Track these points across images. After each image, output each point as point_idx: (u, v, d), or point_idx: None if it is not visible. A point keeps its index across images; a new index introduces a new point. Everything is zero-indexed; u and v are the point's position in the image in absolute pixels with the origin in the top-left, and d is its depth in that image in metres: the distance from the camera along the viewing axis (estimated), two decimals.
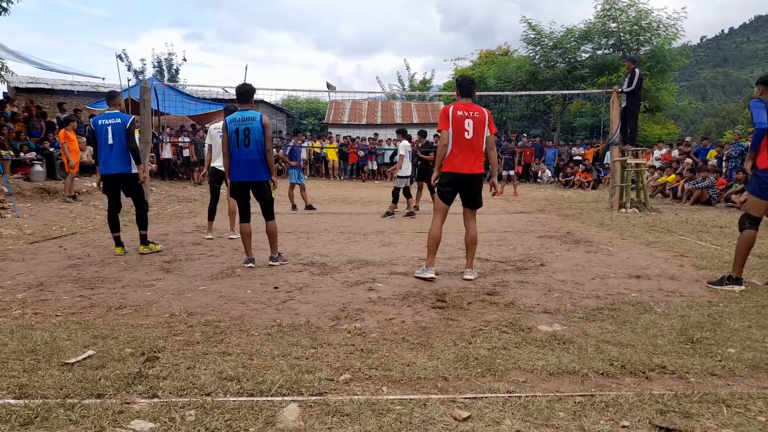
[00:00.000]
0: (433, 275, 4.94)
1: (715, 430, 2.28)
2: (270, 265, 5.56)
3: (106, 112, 6.28)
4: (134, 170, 6.15)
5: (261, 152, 5.40)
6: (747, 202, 4.94)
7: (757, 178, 4.75)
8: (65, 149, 11.03)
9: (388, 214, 10.08)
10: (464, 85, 5.11)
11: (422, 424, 2.30)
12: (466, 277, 5.01)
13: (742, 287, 4.64)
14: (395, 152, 10.84)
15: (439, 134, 5.14)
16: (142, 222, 6.25)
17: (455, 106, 4.96)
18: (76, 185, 11.60)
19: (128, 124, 6.03)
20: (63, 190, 11.11)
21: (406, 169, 10.05)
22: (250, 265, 5.47)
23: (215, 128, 7.31)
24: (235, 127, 5.38)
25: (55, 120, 15.53)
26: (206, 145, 7.57)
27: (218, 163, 7.15)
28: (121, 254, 6.06)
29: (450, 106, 4.97)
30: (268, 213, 5.61)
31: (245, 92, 5.54)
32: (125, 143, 6.00)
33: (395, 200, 10.12)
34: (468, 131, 4.88)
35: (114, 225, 6.23)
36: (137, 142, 6.11)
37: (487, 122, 4.97)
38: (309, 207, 11.01)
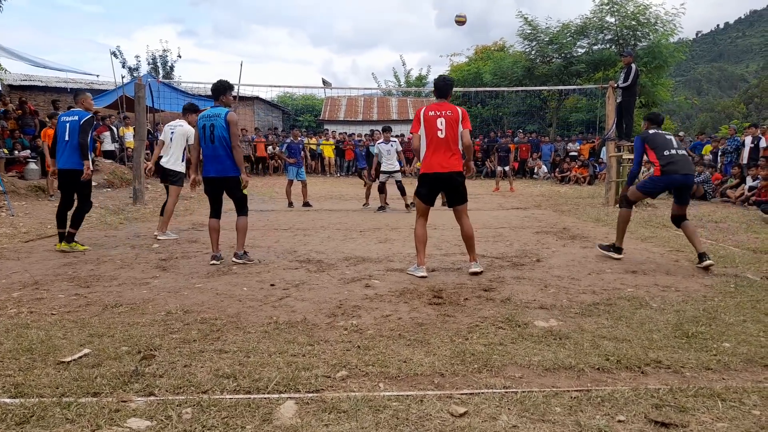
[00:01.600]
0: (424, 274, 4.94)
1: (710, 424, 2.29)
2: (233, 261, 5.50)
3: (71, 110, 6.41)
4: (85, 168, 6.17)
5: (226, 148, 5.43)
6: (630, 190, 5.89)
7: (651, 180, 5.68)
8: (45, 149, 10.63)
9: (381, 208, 10.43)
10: (439, 86, 5.15)
11: (419, 420, 2.30)
12: (472, 270, 5.00)
13: (621, 256, 5.73)
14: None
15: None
16: (76, 220, 6.20)
17: (427, 107, 5.02)
18: None
19: (82, 121, 6.11)
20: (48, 190, 10.92)
21: (387, 165, 10.47)
22: (214, 262, 5.47)
23: (169, 126, 7.47)
24: (203, 123, 5.48)
25: (46, 118, 15.42)
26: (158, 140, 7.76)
27: (164, 159, 7.26)
28: (66, 250, 6.06)
29: (422, 108, 5.04)
30: (241, 208, 5.62)
31: (215, 89, 5.60)
32: (78, 139, 6.08)
33: (382, 191, 10.54)
34: (441, 130, 4.91)
35: (60, 221, 6.26)
36: (88, 139, 6.15)
37: (460, 119, 4.98)
38: (306, 204, 11.00)
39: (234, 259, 5.53)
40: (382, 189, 10.54)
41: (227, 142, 5.42)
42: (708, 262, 5.19)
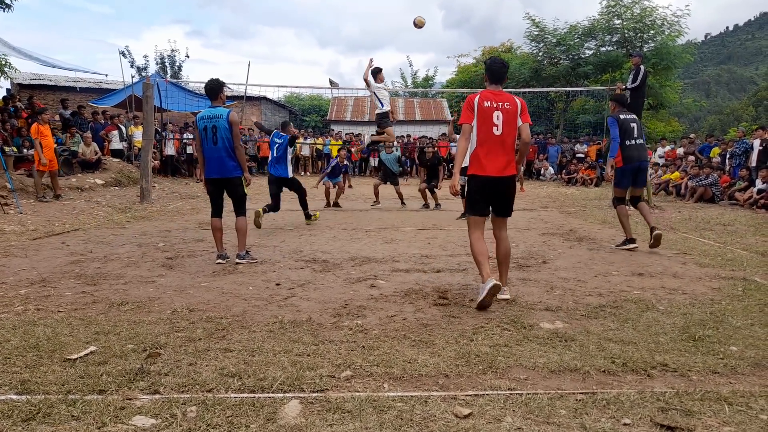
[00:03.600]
0: (494, 283, 3.90)
1: (716, 428, 2.27)
2: (236, 263, 5.51)
3: (279, 133, 8.35)
4: (290, 175, 8.31)
5: (229, 149, 5.48)
6: (614, 189, 6.91)
7: (617, 173, 6.60)
8: (38, 146, 10.20)
9: (464, 215, 9.87)
10: (494, 69, 4.27)
11: (423, 421, 2.30)
12: (501, 297, 4.15)
13: (636, 244, 6.36)
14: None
15: (459, 128, 4.34)
16: (303, 204, 8.56)
17: (482, 95, 4.18)
18: (62, 182, 11.29)
19: (286, 141, 8.12)
20: (54, 189, 10.64)
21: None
22: (220, 261, 5.49)
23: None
24: (204, 125, 5.49)
25: (58, 116, 15.47)
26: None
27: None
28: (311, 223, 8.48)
29: (476, 95, 4.20)
30: (239, 208, 5.69)
31: (212, 88, 5.61)
32: (283, 153, 8.13)
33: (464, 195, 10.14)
34: (497, 126, 4.10)
35: (273, 207, 8.21)
36: (288, 155, 8.28)
37: (519, 112, 4.18)
38: (335, 204, 11.06)
39: (237, 260, 5.55)
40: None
41: (230, 143, 5.47)
42: (657, 232, 6.17)
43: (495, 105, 4.12)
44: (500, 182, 4.18)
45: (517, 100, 4.21)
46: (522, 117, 4.21)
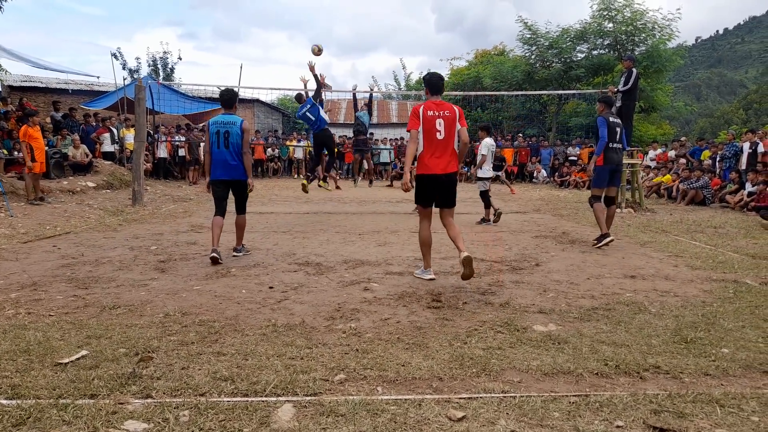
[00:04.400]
0: (433, 276, 5.02)
1: (708, 429, 2.29)
2: (233, 255, 5.92)
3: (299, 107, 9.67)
4: (327, 121, 9.81)
5: (239, 154, 5.79)
6: (591, 189, 7.31)
7: (597, 172, 7.05)
8: (24, 148, 9.97)
9: (483, 220, 9.09)
10: (433, 82, 4.99)
11: (417, 425, 2.30)
12: (464, 255, 4.49)
13: (611, 237, 6.70)
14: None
15: (408, 133, 4.98)
16: (327, 166, 10.43)
17: (425, 105, 4.86)
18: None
19: (311, 101, 9.60)
20: (26, 194, 10.24)
21: (487, 170, 9.09)
22: (214, 255, 5.56)
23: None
24: (216, 129, 5.77)
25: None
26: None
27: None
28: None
29: (420, 106, 4.87)
30: (242, 208, 6.04)
31: (229, 99, 5.97)
32: (316, 114, 9.53)
33: (487, 205, 9.06)
34: (440, 131, 4.79)
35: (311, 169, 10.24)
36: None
37: (457, 118, 4.87)
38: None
39: (234, 254, 5.89)
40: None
41: (239, 148, 5.77)
42: (609, 239, 6.63)
43: (437, 114, 4.82)
44: (444, 179, 4.88)
45: (455, 108, 4.92)
46: (460, 122, 4.90)
